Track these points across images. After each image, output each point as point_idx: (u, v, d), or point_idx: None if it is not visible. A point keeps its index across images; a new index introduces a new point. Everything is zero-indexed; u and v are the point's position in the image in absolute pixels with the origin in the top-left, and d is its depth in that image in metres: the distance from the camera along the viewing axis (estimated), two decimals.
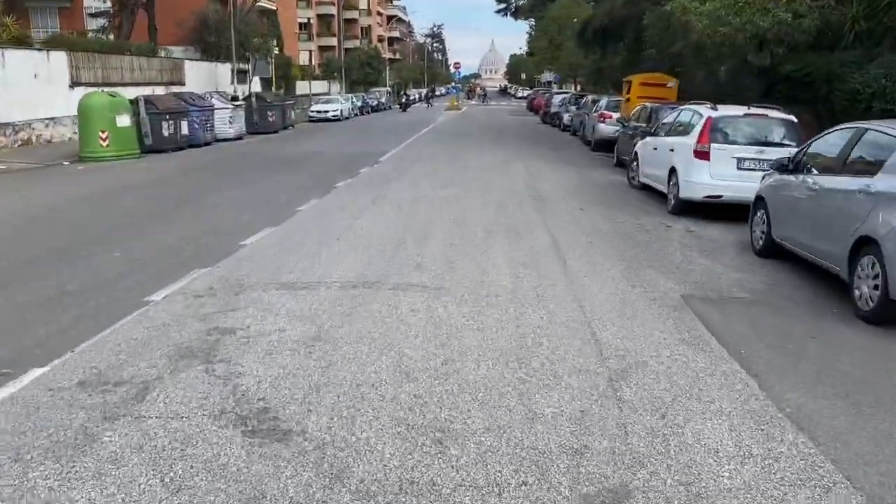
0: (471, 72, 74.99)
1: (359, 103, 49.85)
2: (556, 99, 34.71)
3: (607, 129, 21.26)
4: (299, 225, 9.97)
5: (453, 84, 68.82)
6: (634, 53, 27.10)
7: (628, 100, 19.09)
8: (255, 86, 41.57)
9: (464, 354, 4.99)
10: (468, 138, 26.99)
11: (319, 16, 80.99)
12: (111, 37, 33.87)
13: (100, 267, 7.57)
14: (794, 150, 8.51)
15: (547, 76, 67.18)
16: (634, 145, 14.77)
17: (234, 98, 28.30)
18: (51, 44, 26.90)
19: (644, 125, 15.53)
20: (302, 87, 50.79)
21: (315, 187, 13.56)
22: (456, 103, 54.80)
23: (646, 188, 13.12)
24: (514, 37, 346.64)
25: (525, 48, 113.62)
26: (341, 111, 42.25)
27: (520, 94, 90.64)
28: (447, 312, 5.92)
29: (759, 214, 8.26)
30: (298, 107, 48.95)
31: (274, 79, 39.99)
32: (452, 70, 57.26)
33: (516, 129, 33.43)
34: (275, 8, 60.04)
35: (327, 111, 41.52)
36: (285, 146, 23.82)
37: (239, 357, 4.92)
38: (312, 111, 41.84)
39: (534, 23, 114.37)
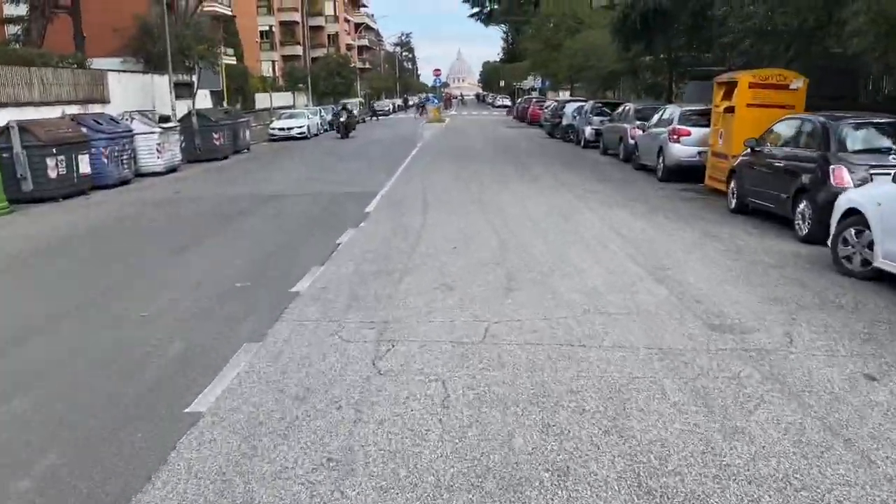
0: (439, 81, 67.31)
1: (328, 116, 43.12)
2: (569, 108, 28.33)
3: (686, 152, 14.92)
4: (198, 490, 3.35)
5: (432, 94, 62.02)
6: (689, 46, 20.98)
7: (729, 110, 12.78)
8: (205, 101, 34.73)
9: None
10: (477, 161, 20.51)
11: (282, 23, 74.12)
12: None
13: None
14: None
15: (531, 82, 60.92)
16: (797, 183, 8.60)
17: (165, 119, 21.41)
18: None
19: (811, 150, 9.20)
20: (262, 100, 43.88)
21: (254, 299, 6.94)
22: (438, 114, 48.25)
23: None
24: (481, 46, 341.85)
25: (500, 55, 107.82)
26: (308, 127, 35.48)
27: (498, 103, 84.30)
28: None
29: None
30: (259, 122, 42.22)
31: (226, 92, 33.14)
32: (433, 77, 50.40)
33: (525, 146, 27.01)
34: (230, 13, 53.19)
35: (291, 128, 34.73)
36: (230, 184, 17.06)
37: None
38: (274, 128, 35.03)
39: (507, 28, 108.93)
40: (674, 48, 22.54)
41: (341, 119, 34.60)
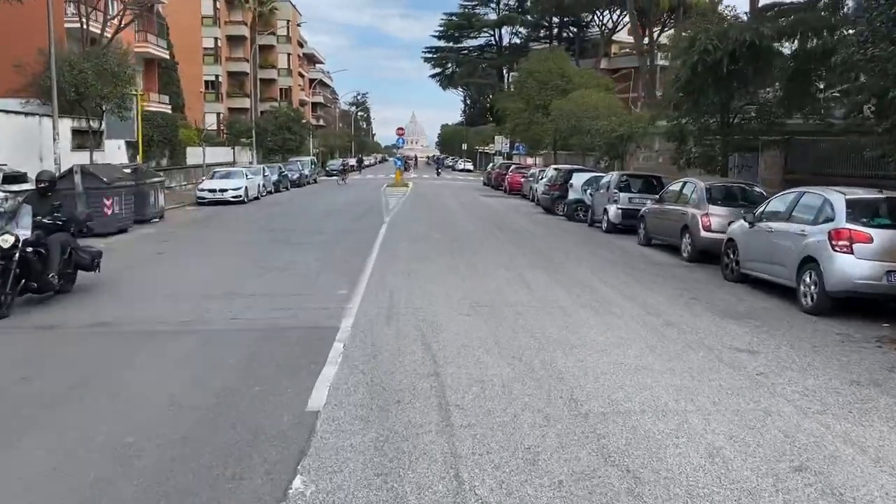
0: (402, 141, 60.85)
1: (274, 176, 36.28)
2: (577, 180, 22.16)
3: (866, 269, 8.63)
4: None
5: (394, 157, 55.41)
6: (782, 102, 15.08)
7: None
8: (118, 154, 27.62)
9: None
10: (476, 250, 13.83)
11: (231, 73, 67.80)
12: None
13: None
14: None
15: (499, 146, 55.41)
16: None
17: (12, 178, 14.26)
18: None
19: None
20: (196, 155, 36.86)
21: None
22: (401, 177, 41.82)
23: None
24: (435, 110, 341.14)
25: (461, 118, 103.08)
26: (246, 189, 28.52)
27: (460, 166, 78.61)
28: None
29: None
30: (191, 181, 35.12)
31: (141, 144, 26.06)
32: (396, 137, 43.99)
33: (526, 225, 20.56)
34: (166, 56, 46.45)
35: (225, 190, 27.73)
36: (70, 305, 10.04)
37: None
38: (203, 190, 27.99)
39: (466, 92, 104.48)
40: (748, 105, 16.59)
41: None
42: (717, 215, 13.41)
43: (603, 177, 20.90)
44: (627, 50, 69.27)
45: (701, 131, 17.34)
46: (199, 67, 63.71)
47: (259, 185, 31.42)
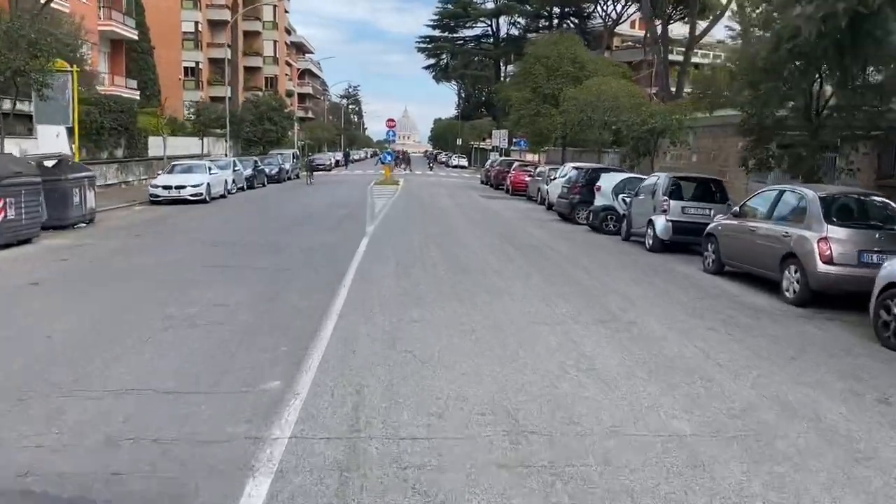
0: (392, 134, 55.68)
1: (247, 171, 31.79)
2: (606, 182, 17.83)
3: None
4: None
5: (385, 150, 50.73)
6: None
7: None
8: (58, 142, 23.07)
9: None
10: (501, 298, 9.15)
11: (212, 60, 63.00)
12: None
13: None
14: None
15: (499, 140, 51.01)
16: None
17: None
18: None
19: None
20: (160, 145, 32.29)
21: None
22: (390, 174, 37.36)
23: None
24: (428, 105, 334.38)
25: (456, 112, 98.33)
26: (208, 186, 24.06)
27: (454, 162, 73.89)
28: None
29: None
30: (153, 174, 30.57)
31: (77, 130, 21.50)
32: (386, 130, 39.10)
33: (543, 237, 16.24)
34: (133, 36, 41.75)
35: (182, 186, 23.24)
36: None
37: None
38: (156, 186, 23.51)
39: (461, 85, 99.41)
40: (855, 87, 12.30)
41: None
42: (840, 240, 9.16)
43: (641, 179, 16.58)
44: (630, 43, 65.11)
45: (780, 123, 13.06)
46: (177, 53, 58.91)
47: (227, 182, 26.95)
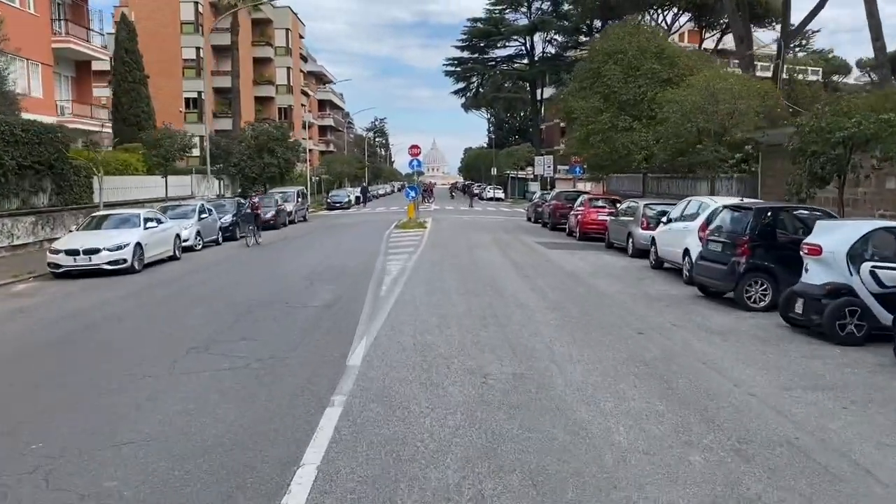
0: (417, 163, 46.30)
1: (227, 217, 23.58)
2: (828, 237, 8.84)
3: None
4: None
5: (407, 183, 42.17)
6: None
7: None
8: None
9: None
10: None
11: (217, 90, 55.64)
12: None
13: None
14: None
15: (543, 168, 42.24)
16: None
17: None
18: None
19: None
20: (127, 187, 24.17)
21: None
22: (414, 214, 28.78)
23: None
24: (457, 136, 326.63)
25: (487, 141, 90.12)
26: (138, 248, 15.65)
27: (489, 194, 64.91)
28: None
29: None
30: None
31: None
32: (410, 159, 30.31)
33: (761, 390, 7.39)
34: (102, 57, 34.04)
35: (95, 250, 14.89)
36: None
37: None
38: (56, 252, 15.19)
39: (492, 113, 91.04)
40: None
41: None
42: None
43: None
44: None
45: None
46: (178, 82, 51.74)
47: (179, 237, 18.52)
